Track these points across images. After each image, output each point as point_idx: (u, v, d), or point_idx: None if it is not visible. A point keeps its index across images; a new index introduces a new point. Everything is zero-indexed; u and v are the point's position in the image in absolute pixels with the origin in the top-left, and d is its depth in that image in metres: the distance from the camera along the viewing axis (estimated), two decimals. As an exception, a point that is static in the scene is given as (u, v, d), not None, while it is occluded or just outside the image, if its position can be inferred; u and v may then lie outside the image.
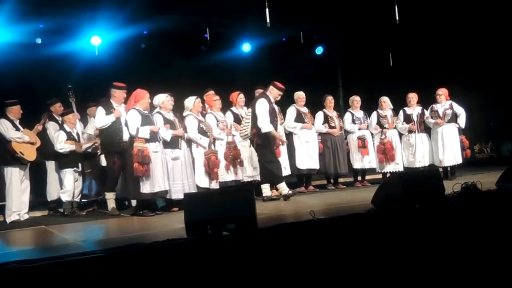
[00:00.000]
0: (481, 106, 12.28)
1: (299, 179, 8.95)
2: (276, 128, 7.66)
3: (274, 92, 7.58)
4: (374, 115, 9.45)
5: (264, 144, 7.48)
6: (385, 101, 9.46)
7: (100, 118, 7.19)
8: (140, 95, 6.99)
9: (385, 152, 9.12)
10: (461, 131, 9.30)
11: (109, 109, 7.22)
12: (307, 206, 6.33)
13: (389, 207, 5.33)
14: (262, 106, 7.41)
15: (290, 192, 7.49)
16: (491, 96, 12.28)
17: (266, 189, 7.67)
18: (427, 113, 9.37)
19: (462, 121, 9.22)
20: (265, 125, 7.33)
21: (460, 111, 9.24)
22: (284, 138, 8.10)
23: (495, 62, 11.71)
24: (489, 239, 4.88)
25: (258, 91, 8.18)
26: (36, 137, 7.26)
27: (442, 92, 9.30)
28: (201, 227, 4.45)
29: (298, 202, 7.38)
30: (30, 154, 7.09)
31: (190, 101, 7.61)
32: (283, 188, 7.48)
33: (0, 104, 7.28)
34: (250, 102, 8.22)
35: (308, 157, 8.58)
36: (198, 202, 4.70)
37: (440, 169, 8.72)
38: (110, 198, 7.31)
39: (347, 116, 9.38)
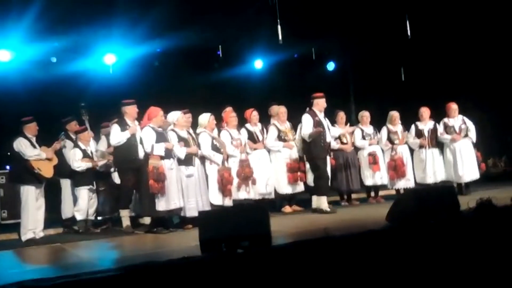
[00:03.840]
0: (495, 120, 12.19)
1: (312, 194, 8.94)
2: (325, 139, 7.86)
3: (319, 103, 7.90)
4: (384, 130, 9.36)
5: (314, 156, 7.80)
6: (396, 116, 9.40)
7: (115, 135, 7.24)
8: (154, 112, 7.05)
9: (396, 169, 9.05)
10: (474, 146, 9.26)
11: (124, 126, 7.27)
12: (321, 222, 6.32)
13: (404, 224, 5.30)
14: (305, 120, 7.83)
15: (328, 209, 7.76)
16: (505, 110, 12.19)
17: (322, 202, 7.82)
18: (439, 128, 9.32)
19: (473, 135, 9.19)
20: (306, 132, 7.74)
21: (471, 125, 9.22)
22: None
23: (508, 77, 11.65)
24: (505, 256, 4.83)
25: (273, 107, 8.53)
26: (53, 154, 7.32)
27: (456, 106, 9.27)
28: (215, 244, 4.46)
29: (312, 218, 7.39)
30: (47, 171, 7.15)
31: (205, 118, 7.66)
32: (325, 203, 7.81)
33: (16, 122, 7.35)
34: (267, 118, 8.56)
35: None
36: (212, 220, 4.72)
37: (455, 184, 8.67)
38: (125, 215, 7.33)
39: (357, 132, 9.30)
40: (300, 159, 8.48)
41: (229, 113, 8.15)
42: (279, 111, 8.57)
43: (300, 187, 8.49)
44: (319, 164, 7.83)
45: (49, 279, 3.73)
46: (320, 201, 7.81)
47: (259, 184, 8.06)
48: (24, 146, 7.02)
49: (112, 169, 7.96)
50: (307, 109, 7.92)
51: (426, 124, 9.37)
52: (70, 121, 8.13)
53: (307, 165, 8.52)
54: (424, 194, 5.88)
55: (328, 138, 7.99)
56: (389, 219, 5.63)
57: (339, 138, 8.99)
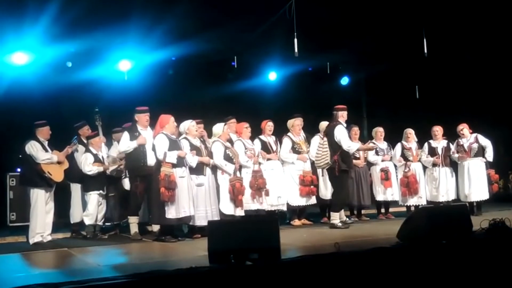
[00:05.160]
0: (506, 140, 12.11)
1: (322, 209, 8.89)
2: (353, 153, 8.07)
3: (343, 115, 7.89)
4: (398, 147, 9.37)
5: (347, 169, 7.75)
6: (411, 133, 9.39)
7: (123, 143, 7.30)
8: (165, 120, 7.05)
9: (409, 185, 9.04)
10: (489, 165, 9.16)
11: (133, 134, 7.31)
12: (331, 237, 6.26)
13: (415, 242, 5.23)
14: (342, 131, 7.68)
15: (340, 224, 7.64)
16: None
17: (335, 217, 7.72)
18: (452, 147, 9.27)
19: (489, 154, 9.10)
20: (352, 145, 7.66)
21: (486, 143, 9.13)
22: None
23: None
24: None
25: (297, 119, 8.58)
26: (65, 159, 7.32)
27: (463, 126, 9.22)
28: (224, 256, 4.42)
29: (322, 233, 7.33)
30: (57, 175, 7.14)
31: (219, 128, 7.65)
32: (336, 217, 7.67)
33: (29, 125, 7.37)
34: (279, 131, 8.56)
35: (331, 187, 8.50)
36: (222, 231, 4.68)
37: (467, 204, 8.58)
38: (133, 222, 7.32)
39: (370, 147, 9.30)
40: (312, 172, 8.45)
41: (242, 124, 8.16)
42: (294, 123, 8.56)
43: (312, 200, 8.44)
44: (344, 177, 7.77)
45: (55, 284, 3.70)
46: (334, 216, 7.74)
47: (271, 195, 8.00)
48: (36, 149, 7.02)
49: (123, 175, 7.97)
50: (336, 121, 7.84)
51: (439, 143, 9.34)
52: (83, 126, 8.15)
53: (320, 179, 8.51)
54: (436, 213, 5.79)
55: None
56: (400, 237, 5.55)
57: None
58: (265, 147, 8.31)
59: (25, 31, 8.43)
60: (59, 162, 7.17)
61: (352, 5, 8.87)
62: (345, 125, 7.85)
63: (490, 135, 9.44)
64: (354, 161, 8.77)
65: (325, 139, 7.82)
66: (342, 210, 7.96)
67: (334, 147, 7.64)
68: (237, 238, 4.49)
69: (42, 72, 9.22)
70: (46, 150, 7.13)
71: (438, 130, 9.40)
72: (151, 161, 7.12)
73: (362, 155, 8.99)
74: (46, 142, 7.24)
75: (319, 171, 8.54)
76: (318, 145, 8.01)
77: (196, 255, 5.30)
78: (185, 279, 3.89)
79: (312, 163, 8.55)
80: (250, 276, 4.11)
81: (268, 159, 8.26)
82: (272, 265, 4.33)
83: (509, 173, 12.79)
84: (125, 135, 7.34)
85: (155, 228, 7.35)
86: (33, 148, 7.02)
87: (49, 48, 9.01)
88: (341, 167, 7.64)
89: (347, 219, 8.09)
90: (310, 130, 8.97)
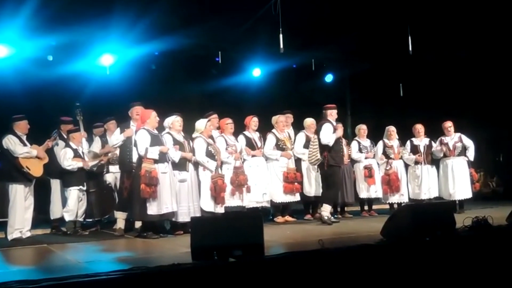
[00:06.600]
0: (488, 140, 12.23)
1: (306, 206, 8.87)
2: (343, 149, 8.13)
3: (332, 113, 7.96)
4: (380, 144, 9.40)
5: (335, 165, 7.77)
6: (393, 131, 9.43)
7: (114, 136, 7.35)
8: (146, 114, 6.97)
9: (390, 183, 9.07)
10: (470, 164, 9.22)
11: (123, 129, 7.30)
12: (315, 234, 6.24)
13: (399, 239, 5.24)
14: (327, 128, 7.73)
15: (326, 218, 7.64)
16: (499, 130, 12.24)
17: (325, 210, 7.74)
18: (434, 145, 9.32)
19: (471, 154, 9.19)
20: (330, 140, 7.65)
21: (469, 143, 9.20)
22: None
23: (505, 97, 11.68)
24: (499, 276, 4.79)
25: (280, 115, 8.56)
26: (44, 153, 7.18)
27: (451, 124, 9.27)
28: (207, 252, 4.39)
29: (306, 230, 7.32)
30: (36, 170, 7.01)
31: (202, 124, 7.56)
32: (327, 211, 7.72)
33: (9, 120, 7.23)
34: (262, 127, 8.48)
35: (316, 184, 8.50)
36: (205, 227, 4.64)
37: (449, 202, 8.63)
38: (120, 217, 7.28)
39: (354, 145, 9.33)
40: (296, 169, 8.43)
41: (224, 120, 8.09)
42: (278, 119, 8.54)
43: (295, 197, 8.41)
44: (336, 172, 7.82)
45: (34, 281, 3.63)
46: (323, 209, 7.75)
47: (256, 191, 7.98)
48: (13, 143, 6.87)
49: (104, 171, 7.85)
50: (325, 120, 7.89)
51: (421, 141, 9.38)
52: (69, 123, 7.94)
53: (305, 176, 8.51)
54: (420, 210, 5.81)
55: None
56: (384, 234, 5.55)
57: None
58: (250, 143, 8.26)
59: (5, 24, 8.29)
60: (38, 157, 7.04)
61: (337, 2, 8.86)
62: (334, 123, 7.87)
63: (472, 134, 9.51)
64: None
65: (316, 136, 7.86)
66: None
67: (322, 144, 7.68)
68: (221, 235, 4.46)
69: (22, 66, 9.05)
70: (24, 145, 6.99)
71: (420, 128, 9.44)
72: (135, 158, 7.04)
73: (346, 153, 8.97)
74: (24, 136, 7.08)
75: (303, 168, 8.54)
76: (310, 143, 8.05)
77: (179, 252, 5.27)
78: (168, 276, 3.83)
79: (296, 160, 8.55)
80: (233, 273, 4.08)
81: (253, 156, 8.22)
82: (256, 262, 4.31)
83: (478, 170, 12.93)
84: (118, 129, 7.39)
85: (137, 225, 7.26)
86: (11, 142, 6.87)
87: (29, 41, 8.87)
88: (330, 163, 7.68)
89: (332, 217, 8.05)
90: (294, 126, 8.94)
